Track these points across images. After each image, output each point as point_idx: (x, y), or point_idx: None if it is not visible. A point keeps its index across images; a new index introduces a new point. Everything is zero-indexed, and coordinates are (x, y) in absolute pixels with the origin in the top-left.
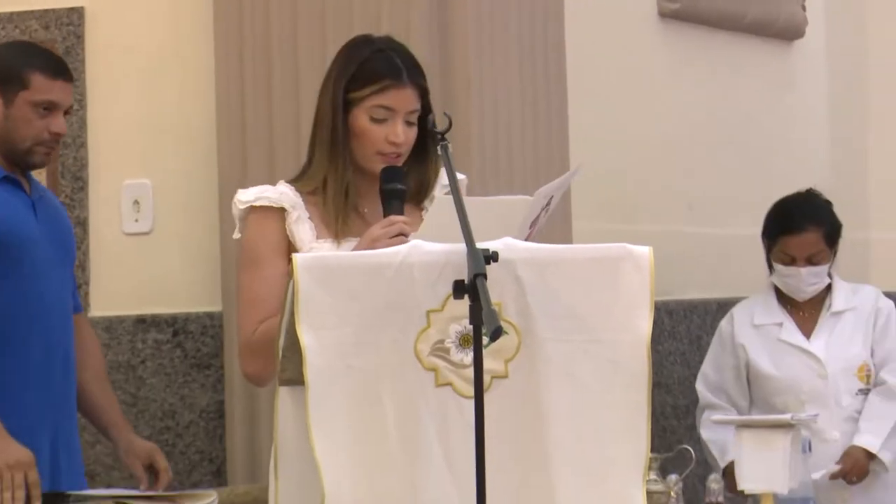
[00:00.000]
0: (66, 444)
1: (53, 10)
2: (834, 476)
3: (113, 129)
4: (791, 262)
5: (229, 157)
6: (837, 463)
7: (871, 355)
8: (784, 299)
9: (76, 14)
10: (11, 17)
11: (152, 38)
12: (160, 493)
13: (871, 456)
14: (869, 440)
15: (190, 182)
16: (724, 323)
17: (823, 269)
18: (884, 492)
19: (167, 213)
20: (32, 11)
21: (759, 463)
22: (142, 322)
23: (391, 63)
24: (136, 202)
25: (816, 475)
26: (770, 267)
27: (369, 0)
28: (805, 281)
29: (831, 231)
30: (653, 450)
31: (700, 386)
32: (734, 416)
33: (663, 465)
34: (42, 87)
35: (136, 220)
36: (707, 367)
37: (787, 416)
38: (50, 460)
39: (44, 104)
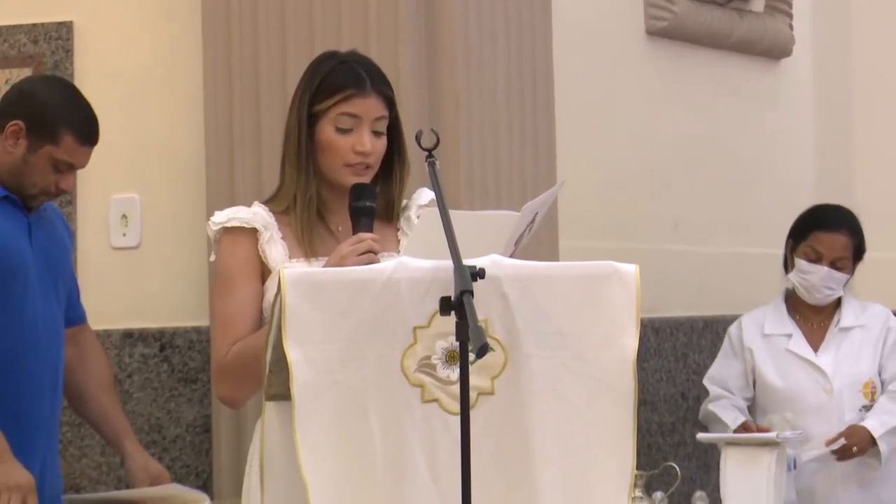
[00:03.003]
0: (52, 464)
1: (42, 25)
2: (836, 449)
3: (101, 144)
4: (817, 259)
5: (217, 171)
6: (840, 435)
7: (880, 372)
8: (794, 309)
9: (65, 28)
10: (0, 32)
11: (141, 52)
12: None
13: (872, 441)
14: (873, 424)
15: (178, 196)
16: (732, 328)
17: (842, 278)
18: (881, 485)
19: (155, 227)
20: (21, 26)
21: (744, 481)
22: (129, 336)
23: (354, 73)
24: (124, 216)
25: (814, 452)
26: (787, 268)
27: (357, 18)
28: (823, 281)
29: (859, 246)
30: (638, 467)
31: (707, 381)
32: (720, 434)
33: (649, 482)
34: (69, 149)
35: (124, 235)
36: (714, 369)
37: (772, 435)
38: (39, 481)
39: (64, 164)
